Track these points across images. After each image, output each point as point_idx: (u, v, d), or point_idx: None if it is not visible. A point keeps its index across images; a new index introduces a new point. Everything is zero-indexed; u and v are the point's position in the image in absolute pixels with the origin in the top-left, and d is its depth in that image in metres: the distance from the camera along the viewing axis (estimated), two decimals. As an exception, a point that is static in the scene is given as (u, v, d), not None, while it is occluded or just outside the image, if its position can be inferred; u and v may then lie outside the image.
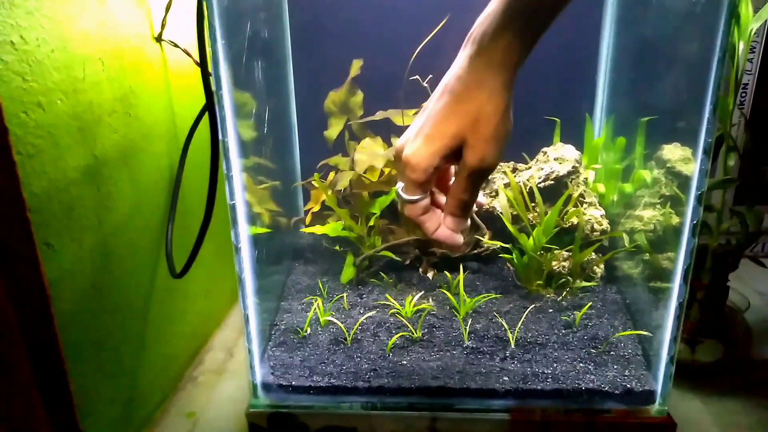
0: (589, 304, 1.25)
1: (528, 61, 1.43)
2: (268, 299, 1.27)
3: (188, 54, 1.25)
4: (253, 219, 1.19)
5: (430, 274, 1.38)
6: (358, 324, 1.20)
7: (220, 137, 0.91)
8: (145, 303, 1.13)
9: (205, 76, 0.90)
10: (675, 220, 1.25)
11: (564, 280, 1.32)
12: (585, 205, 1.34)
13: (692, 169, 1.25)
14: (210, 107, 0.90)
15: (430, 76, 1.27)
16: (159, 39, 1.18)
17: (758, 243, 1.72)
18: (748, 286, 1.58)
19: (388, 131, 1.41)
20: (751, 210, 1.18)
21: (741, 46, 1.16)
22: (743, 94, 1.59)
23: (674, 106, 1.19)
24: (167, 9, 1.17)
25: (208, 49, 0.89)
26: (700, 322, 1.27)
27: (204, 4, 0.84)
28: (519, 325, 1.19)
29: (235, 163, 0.95)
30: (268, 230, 1.26)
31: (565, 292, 1.30)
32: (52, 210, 0.84)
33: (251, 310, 1.04)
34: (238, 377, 1.31)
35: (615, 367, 1.10)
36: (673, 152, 1.30)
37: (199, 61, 0.92)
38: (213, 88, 0.89)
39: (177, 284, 1.25)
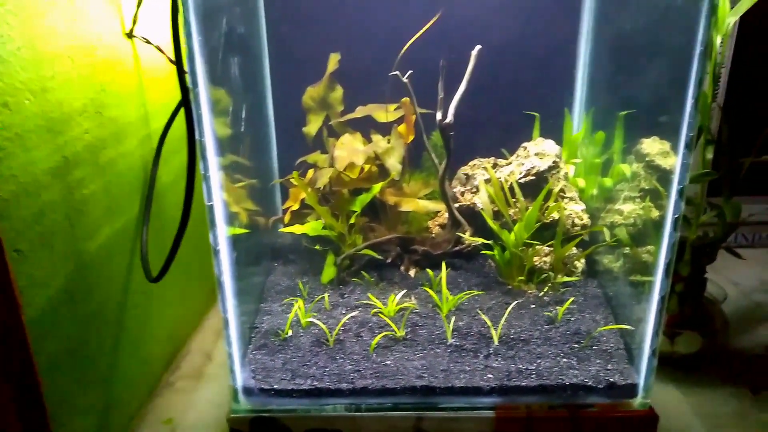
0: (572, 299, 1.25)
1: (507, 57, 1.44)
2: (248, 301, 1.24)
3: (161, 51, 1.21)
4: (230, 219, 1.16)
5: (412, 272, 1.37)
6: (340, 324, 1.18)
7: (197, 137, 0.89)
8: (120, 308, 1.10)
9: (181, 73, 0.87)
10: (655, 213, 1.26)
11: (546, 275, 1.32)
12: (566, 200, 1.34)
13: (671, 162, 1.25)
14: (186, 106, 0.87)
15: (410, 71, 1.25)
16: (130, 35, 1.15)
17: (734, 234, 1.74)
18: (724, 276, 1.61)
19: (368, 127, 1.39)
20: (729, 202, 1.20)
21: (718, 40, 1.17)
22: (716, 86, 1.61)
23: (653, 100, 1.20)
24: (138, 4, 1.14)
25: (184, 46, 0.86)
26: (679, 314, 1.28)
27: (178, -1, 0.81)
28: (502, 321, 1.18)
29: (213, 162, 0.92)
30: (246, 230, 1.23)
31: (546, 288, 1.30)
32: (21, 215, 0.81)
33: (231, 314, 1.02)
34: (217, 381, 1.29)
35: (598, 361, 1.11)
36: (651, 146, 1.31)
37: (173, 58, 0.88)
38: (189, 85, 0.87)
39: (153, 287, 1.22)
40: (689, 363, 1.27)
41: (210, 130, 0.90)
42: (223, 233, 0.97)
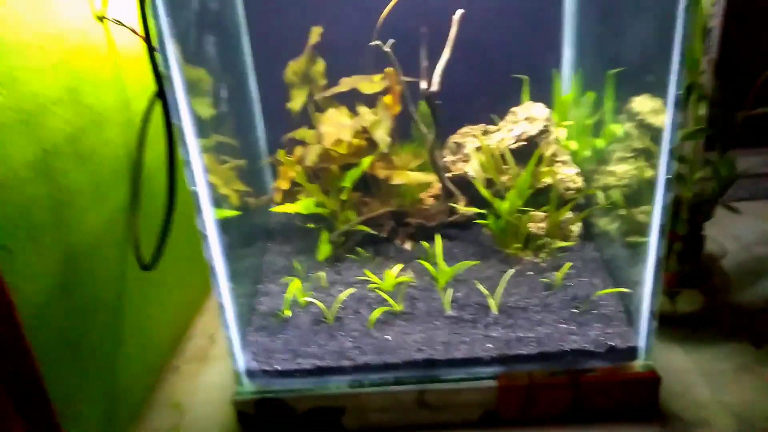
0: (569, 264, 1.24)
1: (490, 20, 1.39)
2: (245, 283, 1.24)
3: (135, 32, 1.17)
4: (219, 201, 1.15)
5: (407, 246, 1.36)
6: (338, 302, 1.18)
7: (173, 121, 0.86)
8: (117, 297, 1.09)
9: (152, 57, 0.84)
10: (649, 173, 1.24)
11: (542, 241, 1.31)
12: (558, 164, 1.33)
13: (663, 120, 1.24)
14: (160, 90, 0.84)
15: (392, 40, 1.22)
16: (102, 18, 1.11)
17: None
18: (724, 231, 1.60)
19: (353, 100, 1.36)
20: (724, 157, 1.18)
21: (706, -3, 1.14)
22: (707, 41, 1.57)
23: (642, 57, 1.17)
24: (109, -16, 1.10)
25: (153, 28, 0.83)
26: (679, 273, 1.28)
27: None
28: (500, 290, 1.18)
29: (193, 146, 0.90)
30: (238, 212, 1.21)
31: (543, 254, 1.29)
32: (5, 212, 0.79)
33: (226, 298, 1.01)
34: (221, 363, 1.29)
35: (597, 325, 1.11)
36: (643, 104, 1.28)
37: (144, 38, 0.86)
38: (161, 69, 0.84)
39: (150, 274, 1.20)
40: (691, 321, 1.27)
41: (187, 113, 0.87)
42: (210, 218, 0.95)
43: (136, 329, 1.15)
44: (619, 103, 1.33)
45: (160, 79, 0.85)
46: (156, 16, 0.82)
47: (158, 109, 1.16)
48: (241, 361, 1.07)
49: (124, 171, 1.15)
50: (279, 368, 1.06)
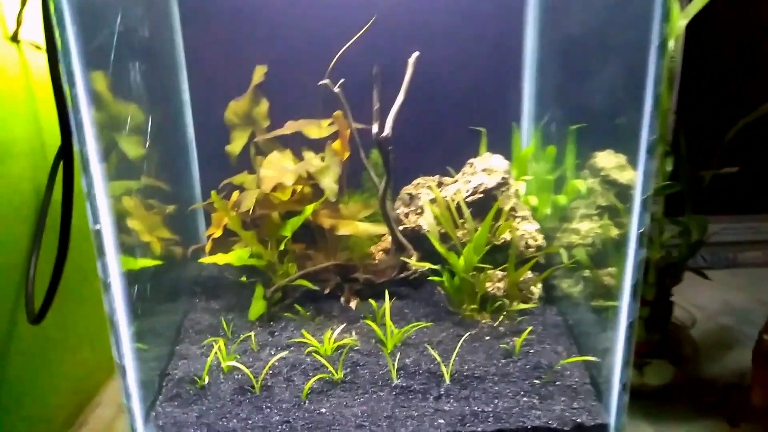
0: (530, 328, 1.12)
1: (449, 70, 1.32)
2: (159, 343, 1.07)
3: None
4: (138, 249, 1.00)
5: (353, 304, 1.22)
6: (267, 367, 1.02)
7: (75, 146, 0.73)
8: (1, 357, 0.91)
9: (54, 66, 0.71)
10: (614, 231, 1.16)
11: (500, 302, 1.19)
12: (518, 219, 1.23)
13: (629, 176, 1.16)
14: (59, 106, 0.71)
15: (342, 80, 1.13)
16: (15, 39, 0.99)
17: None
18: (686, 300, 1.51)
19: (299, 144, 1.25)
20: (694, 217, 1.10)
21: (671, 44, 1.10)
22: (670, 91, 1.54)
23: (606, 111, 1.11)
24: (23, 3, 0.98)
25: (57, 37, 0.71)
26: (646, 342, 1.17)
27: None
28: (453, 356, 1.04)
29: (98, 176, 0.76)
30: (157, 262, 1.06)
31: (501, 317, 1.17)
32: None
33: (128, 360, 0.84)
34: (127, 439, 1.09)
35: (562, 399, 0.98)
36: (606, 159, 1.21)
37: (46, 49, 0.73)
38: (63, 82, 0.71)
39: (48, 331, 1.03)
40: (660, 395, 1.16)
41: (92, 137, 0.74)
42: (114, 263, 0.80)
43: (22, 396, 0.97)
44: (581, 159, 1.26)
45: (61, 95, 0.71)
46: (61, 27, 0.71)
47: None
48: (145, 438, 0.89)
49: (28, 210, 1.00)
50: (189, 447, 0.89)
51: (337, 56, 1.16)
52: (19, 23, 0.98)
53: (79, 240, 0.94)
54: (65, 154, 0.73)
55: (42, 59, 1.04)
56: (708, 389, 1.20)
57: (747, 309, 1.31)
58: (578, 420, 0.93)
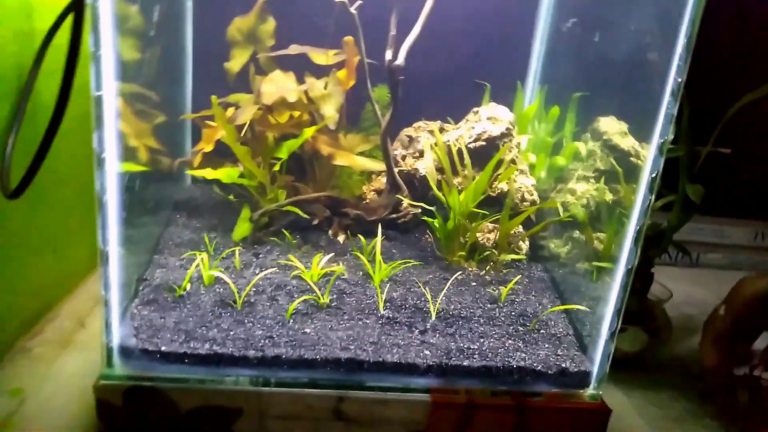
0: (518, 277, 1.11)
1: (459, 21, 1.28)
2: (137, 251, 1.01)
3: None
4: (126, 153, 0.94)
5: (341, 238, 1.19)
6: (252, 284, 0.98)
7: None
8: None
9: None
10: (609, 196, 1.16)
11: (488, 253, 1.18)
12: (516, 172, 1.22)
13: (630, 143, 1.17)
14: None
15: (359, 2, 1.09)
16: None
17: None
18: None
19: (302, 69, 1.20)
20: (691, 185, 1.11)
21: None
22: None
23: (614, 80, 1.11)
24: None
25: None
26: (624, 309, 1.18)
27: None
28: (441, 295, 1.03)
29: (108, 38, 0.70)
30: (144, 168, 1.00)
31: (488, 266, 1.16)
32: None
33: (112, 246, 0.79)
34: (88, 352, 1.03)
35: (546, 345, 0.97)
36: (610, 125, 1.22)
37: None
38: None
39: (16, 229, 0.96)
40: (633, 362, 1.17)
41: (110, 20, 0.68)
42: (111, 135, 0.75)
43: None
44: (582, 124, 1.26)
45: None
46: None
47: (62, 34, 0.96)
48: (116, 335, 0.84)
49: (10, 86, 0.93)
50: (165, 349, 0.84)
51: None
52: None
53: (56, 142, 0.87)
54: (75, 25, 0.68)
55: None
56: (677, 359, 1.23)
57: (708, 302, 1.34)
58: (562, 365, 0.93)
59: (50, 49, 0.96)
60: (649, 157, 0.84)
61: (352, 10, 1.07)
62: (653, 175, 0.83)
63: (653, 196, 0.85)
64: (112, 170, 0.76)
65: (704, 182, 1.14)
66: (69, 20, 0.79)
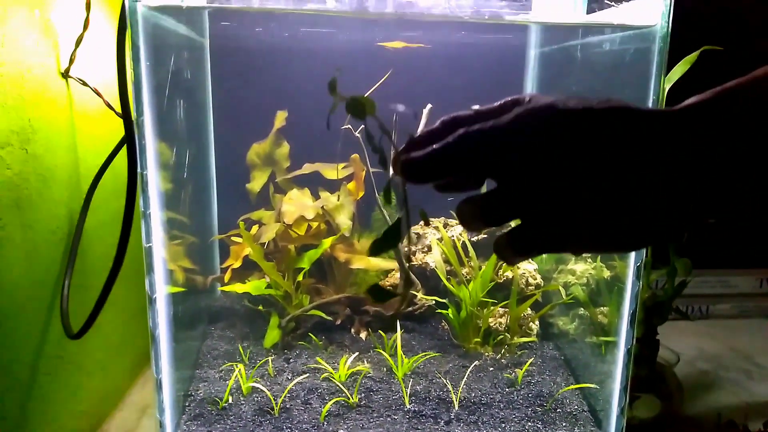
0: (531, 360, 1.20)
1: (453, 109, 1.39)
2: (182, 367, 1.11)
3: (98, 94, 1.13)
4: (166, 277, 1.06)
5: (363, 335, 1.28)
6: (286, 391, 1.07)
7: (138, 169, 0.81)
8: (31, 372, 0.95)
9: (124, 96, 0.80)
10: (606, 273, 1.25)
11: (501, 336, 1.26)
12: (518, 259, 1.32)
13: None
14: (128, 133, 0.79)
15: (362, 126, 1.22)
16: (66, 75, 1.07)
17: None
18: (663, 346, 1.60)
19: (315, 185, 1.34)
20: (679, 260, 1.20)
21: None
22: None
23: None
24: (77, 43, 1.07)
25: (129, 72, 0.80)
26: (635, 378, 1.25)
27: (126, 12, 0.75)
28: (462, 384, 1.11)
29: (154, 198, 0.83)
30: (182, 289, 1.12)
31: (503, 350, 1.24)
32: None
33: (165, 374, 0.89)
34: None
35: (564, 424, 1.04)
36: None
37: (110, 101, 0.82)
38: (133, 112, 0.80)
39: (71, 353, 1.07)
40: (650, 428, 1.23)
41: (154, 163, 0.82)
42: (161, 279, 0.86)
43: (44, 415, 0.99)
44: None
45: (130, 122, 0.80)
46: (136, 61, 0.80)
47: (106, 178, 1.10)
48: (172, 452, 0.93)
49: (62, 233, 1.05)
50: (216, 462, 0.93)
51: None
52: (71, 61, 1.07)
53: (99, 267, 0.99)
54: (130, 176, 0.81)
55: (83, 95, 1.12)
56: (691, 424, 1.28)
57: (721, 355, 1.40)
58: (580, 443, 1.00)
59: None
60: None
61: (357, 134, 1.21)
62: (638, 264, 0.93)
63: (641, 283, 0.94)
64: (162, 309, 0.87)
65: (705, 236, 1.22)
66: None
